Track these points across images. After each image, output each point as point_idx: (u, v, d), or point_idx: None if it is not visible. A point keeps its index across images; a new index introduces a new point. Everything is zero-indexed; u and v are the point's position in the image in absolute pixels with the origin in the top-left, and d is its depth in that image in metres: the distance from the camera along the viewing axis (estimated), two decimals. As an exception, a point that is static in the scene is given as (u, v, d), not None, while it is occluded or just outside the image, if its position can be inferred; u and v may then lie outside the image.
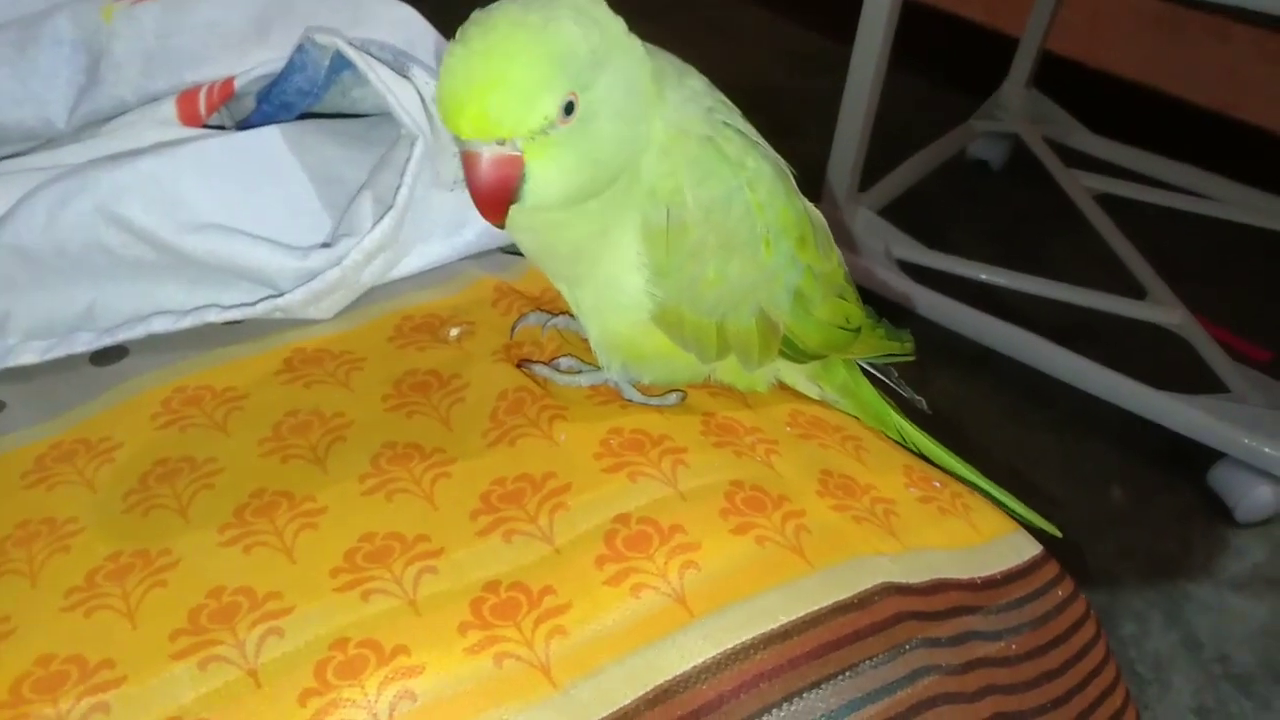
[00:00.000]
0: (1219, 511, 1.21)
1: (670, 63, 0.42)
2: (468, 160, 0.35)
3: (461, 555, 0.40)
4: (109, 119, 0.59)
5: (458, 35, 0.34)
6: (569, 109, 0.34)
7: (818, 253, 0.45)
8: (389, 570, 0.40)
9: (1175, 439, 1.20)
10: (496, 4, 0.35)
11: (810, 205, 0.47)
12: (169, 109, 0.59)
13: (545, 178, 0.35)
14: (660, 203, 0.40)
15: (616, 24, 0.37)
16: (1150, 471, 1.28)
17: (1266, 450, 1.13)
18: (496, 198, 0.35)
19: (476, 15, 0.35)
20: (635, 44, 0.38)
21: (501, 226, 0.37)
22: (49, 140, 0.60)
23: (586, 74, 0.35)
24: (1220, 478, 1.21)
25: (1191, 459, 1.23)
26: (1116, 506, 1.25)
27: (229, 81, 0.59)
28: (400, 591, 0.39)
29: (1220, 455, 1.20)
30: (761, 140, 0.43)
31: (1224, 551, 1.18)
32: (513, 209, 0.36)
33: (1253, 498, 1.17)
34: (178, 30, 0.60)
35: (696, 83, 0.42)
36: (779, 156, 0.44)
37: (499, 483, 0.43)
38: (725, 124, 0.42)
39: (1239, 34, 1.61)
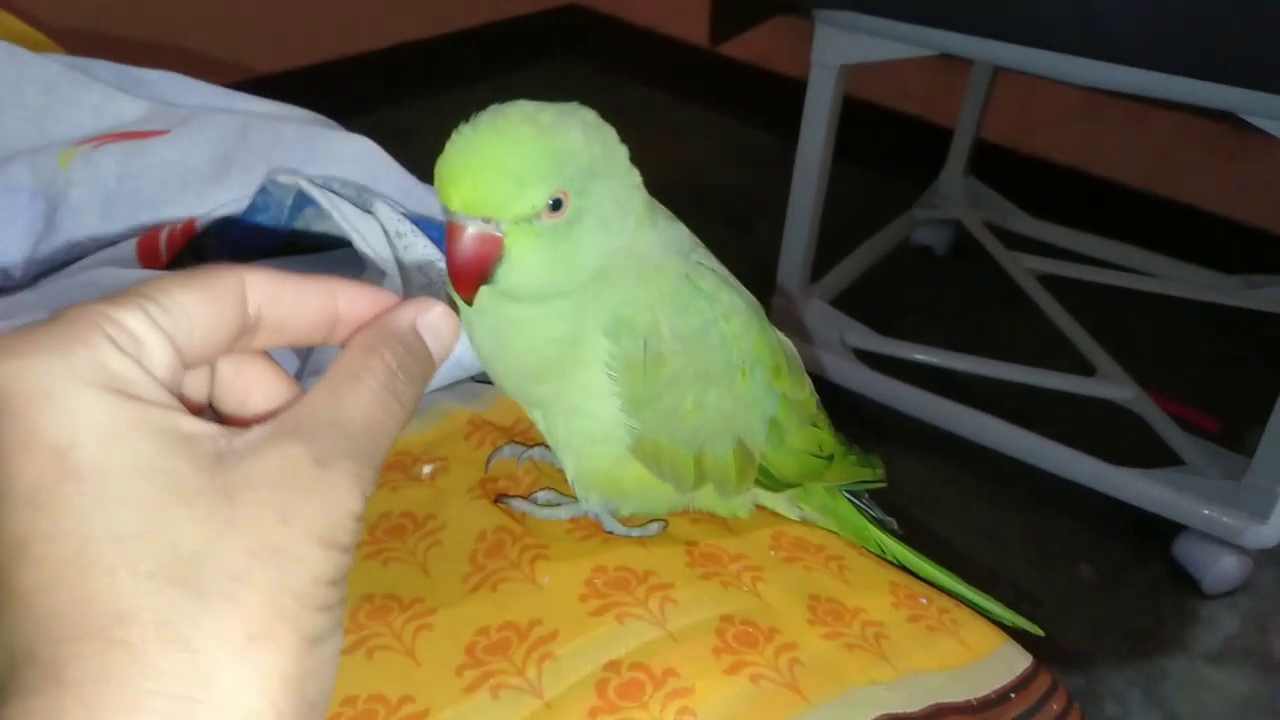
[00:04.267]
0: (1187, 583, 1.23)
1: (663, 209, 0.43)
2: (452, 231, 0.36)
3: (448, 715, 0.39)
4: (65, 265, 0.58)
5: (471, 118, 0.36)
6: (557, 205, 0.36)
7: (791, 381, 0.46)
8: (374, 737, 0.38)
9: (1139, 512, 1.21)
10: (515, 101, 0.37)
11: (783, 336, 0.47)
12: (129, 251, 0.58)
13: (521, 264, 0.37)
14: (637, 334, 0.41)
15: (621, 150, 0.39)
16: (1117, 546, 1.29)
17: (1226, 520, 1.15)
18: (471, 271, 0.36)
19: (494, 106, 0.37)
20: (635, 175, 0.40)
21: (469, 303, 0.38)
22: (3, 290, 0.59)
23: (581, 179, 0.36)
24: (1185, 550, 1.23)
25: (1156, 532, 1.24)
26: (1086, 584, 1.25)
27: (190, 222, 0.58)
28: (387, 760, 0.37)
29: (1182, 527, 1.21)
30: (734, 279, 0.44)
31: (1195, 624, 1.19)
32: (483, 290, 0.37)
33: (1218, 569, 1.19)
34: (137, 173, 0.60)
35: (682, 228, 0.44)
36: (751, 295, 0.45)
37: (483, 633, 0.42)
38: (700, 264, 0.43)
39: (1158, 117, 1.70)
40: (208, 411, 0.28)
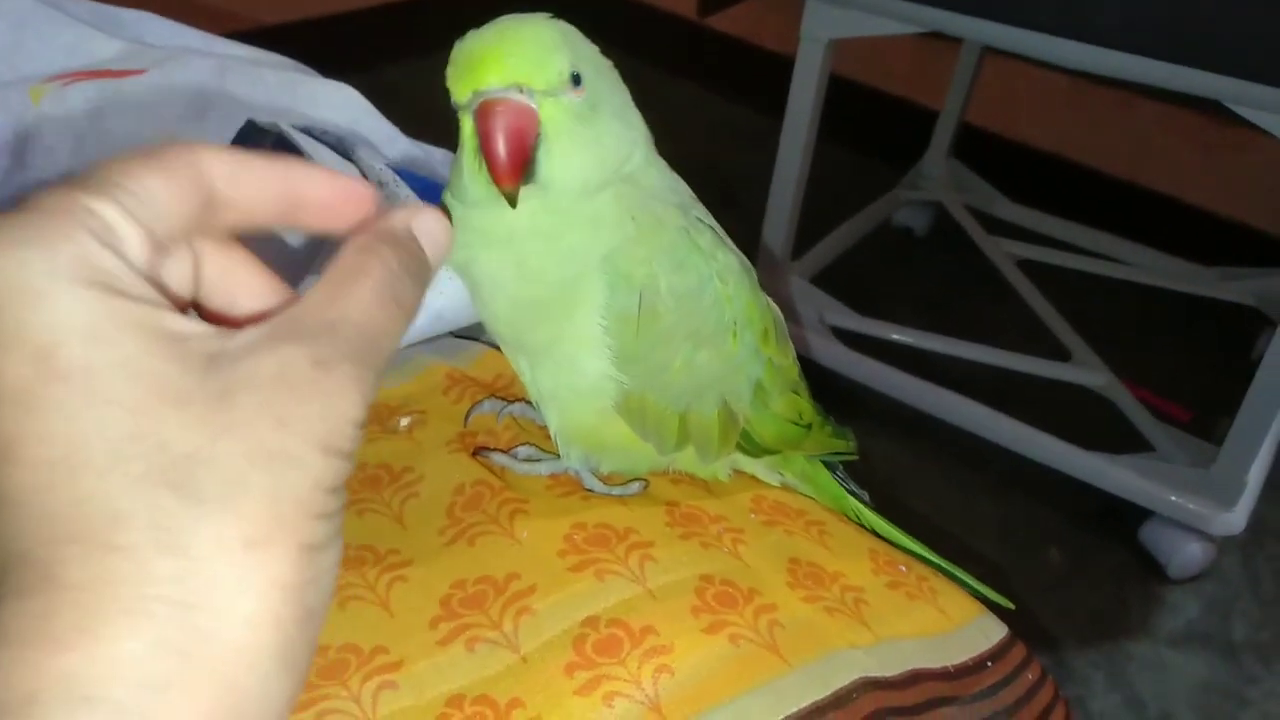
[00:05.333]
0: (1152, 568, 1.24)
1: (662, 160, 0.43)
2: (484, 113, 0.35)
3: (422, 667, 0.38)
4: (34, 204, 0.56)
5: (469, 33, 0.36)
6: (577, 80, 0.36)
7: (777, 347, 0.46)
8: (345, 687, 0.37)
9: (1108, 498, 1.22)
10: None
11: (771, 301, 0.47)
12: (99, 193, 0.57)
13: (560, 145, 0.36)
14: (634, 288, 0.40)
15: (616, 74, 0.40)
16: (1085, 531, 1.30)
17: (1192, 507, 1.17)
18: (513, 149, 0.35)
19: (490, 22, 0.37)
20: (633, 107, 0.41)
21: (515, 190, 0.36)
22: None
23: (590, 68, 0.37)
24: (1151, 535, 1.24)
25: (1124, 517, 1.26)
26: (1054, 567, 1.26)
27: (164, 165, 0.57)
28: (359, 711, 0.37)
29: (1150, 513, 1.23)
30: (729, 239, 0.44)
31: (1160, 609, 1.21)
32: (487, 223, 0.37)
33: (1183, 554, 1.20)
34: (110, 112, 0.58)
35: (683, 183, 0.43)
36: (744, 257, 0.44)
37: (459, 586, 0.42)
38: (700, 220, 0.42)
39: (1143, 107, 1.70)
40: (191, 309, 0.27)
